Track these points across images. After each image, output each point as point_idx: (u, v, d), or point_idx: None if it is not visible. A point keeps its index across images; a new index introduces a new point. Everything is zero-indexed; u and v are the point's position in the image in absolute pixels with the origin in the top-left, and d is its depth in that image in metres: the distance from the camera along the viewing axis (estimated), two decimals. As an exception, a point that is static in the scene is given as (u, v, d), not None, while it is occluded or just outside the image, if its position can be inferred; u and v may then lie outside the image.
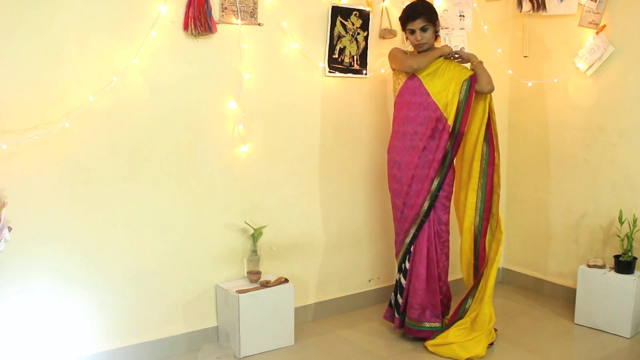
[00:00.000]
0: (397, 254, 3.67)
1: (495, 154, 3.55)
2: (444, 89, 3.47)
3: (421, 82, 3.48)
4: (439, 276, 3.55)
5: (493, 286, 3.53)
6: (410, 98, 3.50)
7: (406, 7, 3.56)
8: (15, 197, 2.84)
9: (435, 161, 3.45)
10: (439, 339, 3.47)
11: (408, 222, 3.54)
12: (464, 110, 3.44)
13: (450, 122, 3.44)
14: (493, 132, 3.55)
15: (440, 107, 3.44)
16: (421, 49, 3.50)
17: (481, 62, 3.52)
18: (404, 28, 3.55)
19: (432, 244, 3.52)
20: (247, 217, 3.57)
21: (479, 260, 3.61)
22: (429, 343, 3.48)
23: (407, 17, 3.48)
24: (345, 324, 3.88)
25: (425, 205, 3.48)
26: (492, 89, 3.50)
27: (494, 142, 3.55)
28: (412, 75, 3.50)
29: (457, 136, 3.46)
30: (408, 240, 3.56)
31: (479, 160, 3.55)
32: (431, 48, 3.53)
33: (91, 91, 3.01)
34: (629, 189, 3.90)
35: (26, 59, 2.83)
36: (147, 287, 3.30)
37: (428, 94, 3.46)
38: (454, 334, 3.47)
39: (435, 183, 3.47)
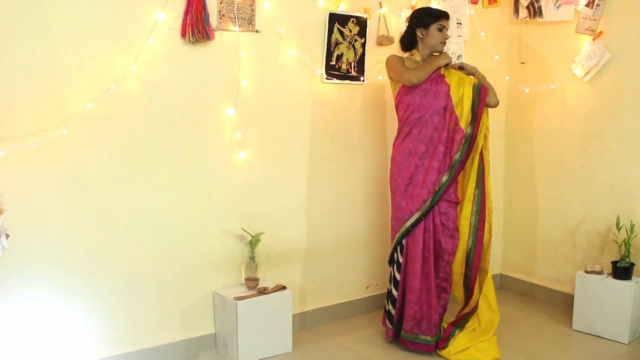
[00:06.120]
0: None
1: (486, 168, 3.51)
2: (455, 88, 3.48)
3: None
4: (440, 289, 3.54)
5: (494, 293, 3.57)
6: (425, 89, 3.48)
7: (430, 7, 3.64)
8: (12, 204, 2.84)
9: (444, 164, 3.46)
10: (453, 347, 3.46)
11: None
12: (477, 114, 3.43)
13: (463, 124, 3.44)
14: (485, 147, 3.51)
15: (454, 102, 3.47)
16: (442, 48, 3.52)
17: (485, 77, 3.54)
18: (430, 24, 3.45)
19: (430, 254, 3.46)
20: (244, 223, 3.57)
21: (470, 280, 3.53)
22: (445, 352, 3.46)
23: (440, 14, 3.48)
24: (344, 331, 3.87)
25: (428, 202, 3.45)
26: (498, 103, 3.50)
27: (484, 157, 3.51)
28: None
29: (470, 140, 3.44)
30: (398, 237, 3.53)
31: (476, 172, 3.50)
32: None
33: (89, 98, 3.01)
34: (626, 195, 3.90)
35: (24, 66, 2.83)
36: (145, 293, 3.30)
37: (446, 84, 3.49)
38: (465, 338, 3.49)
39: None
